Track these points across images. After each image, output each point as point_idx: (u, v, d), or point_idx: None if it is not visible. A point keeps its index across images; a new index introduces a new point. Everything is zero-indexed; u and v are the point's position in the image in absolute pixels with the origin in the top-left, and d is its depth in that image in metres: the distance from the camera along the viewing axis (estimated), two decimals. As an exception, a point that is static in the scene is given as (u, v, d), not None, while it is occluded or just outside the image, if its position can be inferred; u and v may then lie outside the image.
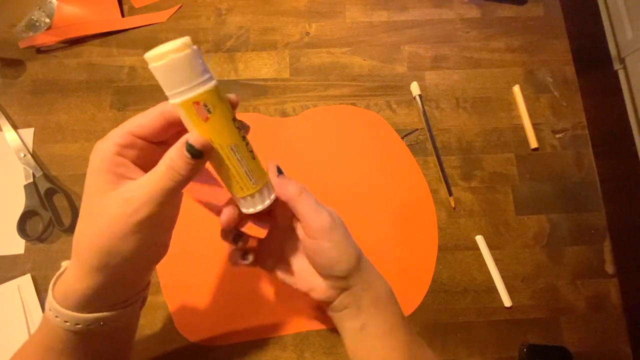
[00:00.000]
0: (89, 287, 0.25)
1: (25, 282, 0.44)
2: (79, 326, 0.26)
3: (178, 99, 0.23)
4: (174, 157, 0.23)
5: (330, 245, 0.30)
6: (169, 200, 0.24)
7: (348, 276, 0.31)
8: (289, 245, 0.34)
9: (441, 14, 0.54)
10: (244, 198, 0.27)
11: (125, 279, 0.27)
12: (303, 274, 0.33)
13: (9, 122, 0.49)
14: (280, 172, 0.29)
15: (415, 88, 0.50)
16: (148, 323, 0.43)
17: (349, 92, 0.51)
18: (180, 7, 0.54)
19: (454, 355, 0.43)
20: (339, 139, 0.49)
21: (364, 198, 0.47)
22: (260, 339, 0.43)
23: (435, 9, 0.54)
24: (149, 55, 0.22)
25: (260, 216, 0.30)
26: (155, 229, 0.26)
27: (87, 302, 0.26)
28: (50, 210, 0.46)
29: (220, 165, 0.25)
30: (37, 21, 0.53)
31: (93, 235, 0.24)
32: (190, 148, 0.23)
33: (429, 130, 0.49)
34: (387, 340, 0.31)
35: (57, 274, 0.28)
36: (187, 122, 0.24)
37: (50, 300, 0.26)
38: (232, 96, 0.26)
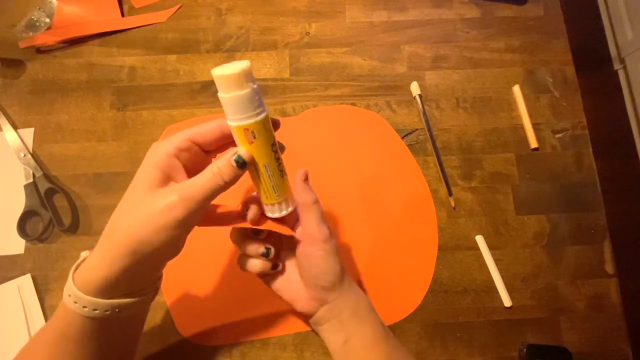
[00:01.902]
0: (112, 273, 0.27)
1: (25, 282, 0.44)
2: (97, 312, 0.27)
3: (233, 123, 0.28)
4: (221, 165, 0.28)
5: (322, 255, 0.32)
6: (208, 201, 0.28)
7: (331, 288, 0.33)
8: (283, 255, 0.36)
9: (441, 14, 0.54)
10: (267, 205, 0.32)
11: (145, 269, 0.29)
12: (290, 284, 0.35)
13: (9, 122, 0.49)
14: (305, 179, 0.33)
15: (415, 88, 0.50)
16: (148, 323, 0.42)
17: (349, 92, 0.51)
18: (180, 7, 0.54)
19: (454, 355, 0.43)
20: (339, 139, 0.49)
21: (364, 198, 0.47)
22: (260, 339, 0.43)
23: (435, 9, 0.54)
24: (217, 75, 0.27)
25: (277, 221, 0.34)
26: (186, 227, 0.28)
27: (108, 288, 0.27)
28: (50, 210, 0.46)
29: (254, 176, 0.31)
30: (37, 21, 0.53)
31: (133, 224, 0.27)
32: (238, 158, 0.28)
33: (429, 130, 0.49)
34: (370, 353, 0.33)
35: (77, 262, 0.29)
36: (237, 140, 0.29)
37: (70, 285, 0.27)
38: (275, 119, 0.31)
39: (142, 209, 0.27)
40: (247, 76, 0.27)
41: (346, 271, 0.35)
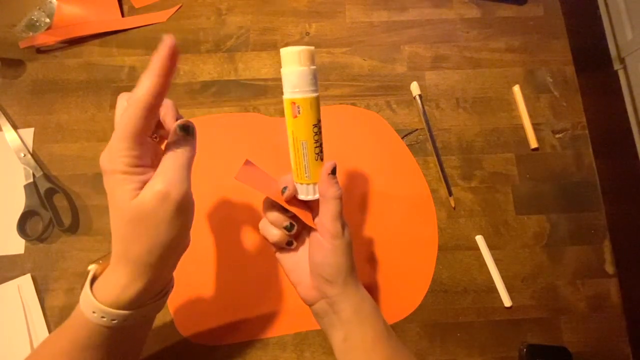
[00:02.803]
0: (142, 288, 0.28)
1: (25, 282, 0.44)
2: (115, 322, 0.28)
3: (286, 95, 0.31)
4: (174, 139, 0.28)
5: (330, 248, 0.33)
6: (187, 175, 0.28)
7: (332, 281, 0.33)
8: (301, 236, 0.36)
9: (441, 14, 0.54)
10: (296, 183, 0.33)
11: (165, 270, 0.30)
12: (298, 266, 0.35)
13: (9, 122, 0.49)
14: (333, 172, 0.33)
15: (415, 88, 0.50)
16: (148, 323, 0.43)
17: (349, 92, 0.51)
18: (180, 7, 0.54)
19: (454, 355, 0.43)
20: (339, 139, 0.49)
21: (364, 198, 0.47)
22: (260, 339, 0.43)
23: (435, 9, 0.54)
24: (283, 53, 0.30)
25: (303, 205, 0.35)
26: (184, 214, 0.28)
27: (136, 301, 0.28)
28: (50, 210, 0.46)
29: (292, 151, 0.32)
30: (37, 21, 0.53)
31: (141, 234, 0.27)
32: (184, 124, 0.29)
33: (429, 130, 0.49)
34: (370, 354, 0.33)
35: (90, 275, 0.29)
36: (285, 114, 0.31)
37: (92, 301, 0.28)
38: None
39: (139, 218, 0.26)
40: (305, 57, 0.30)
41: (355, 272, 0.35)
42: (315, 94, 0.31)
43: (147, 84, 0.26)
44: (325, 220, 0.32)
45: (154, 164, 0.28)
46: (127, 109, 0.26)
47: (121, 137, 0.26)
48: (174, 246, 0.28)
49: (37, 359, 0.31)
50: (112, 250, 0.28)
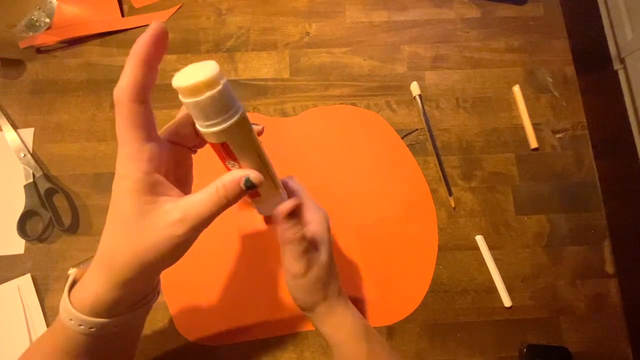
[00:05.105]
0: (118, 297, 0.26)
1: (25, 282, 0.44)
2: (93, 330, 0.26)
3: (242, 112, 0.25)
4: (227, 185, 0.25)
5: (294, 285, 0.33)
6: (212, 219, 0.25)
7: (302, 308, 0.34)
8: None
9: (441, 14, 0.54)
10: (270, 199, 0.31)
11: (146, 284, 0.28)
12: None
13: (9, 122, 0.49)
14: (291, 215, 0.30)
15: (415, 88, 0.50)
16: (148, 323, 0.42)
17: (349, 92, 0.51)
18: (180, 7, 0.54)
19: (454, 355, 0.43)
20: (339, 139, 0.49)
21: (364, 198, 0.47)
22: (260, 339, 0.43)
23: (435, 9, 0.54)
24: (177, 84, 0.23)
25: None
26: (189, 244, 0.26)
27: (113, 310, 0.26)
28: (50, 210, 0.46)
29: (268, 163, 0.29)
30: (37, 21, 0.53)
31: (137, 253, 0.24)
32: (247, 182, 0.26)
33: (429, 130, 0.49)
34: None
35: (69, 281, 0.27)
36: (245, 134, 0.26)
37: (67, 307, 0.26)
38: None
39: (143, 237, 0.25)
40: (207, 83, 0.23)
41: (330, 300, 0.34)
42: (233, 120, 0.25)
43: (126, 76, 0.22)
44: (285, 262, 0.32)
45: (175, 172, 0.27)
46: (116, 110, 0.23)
47: (123, 141, 0.24)
48: (160, 268, 0.26)
49: None
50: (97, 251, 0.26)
